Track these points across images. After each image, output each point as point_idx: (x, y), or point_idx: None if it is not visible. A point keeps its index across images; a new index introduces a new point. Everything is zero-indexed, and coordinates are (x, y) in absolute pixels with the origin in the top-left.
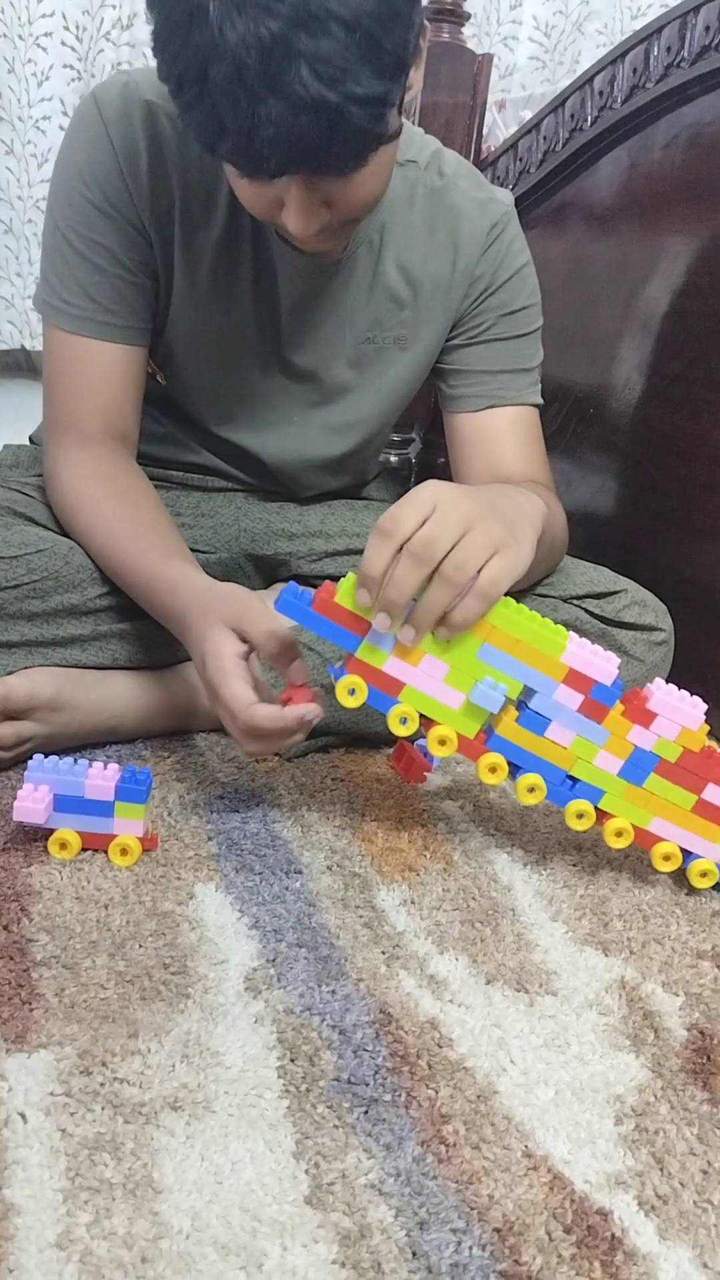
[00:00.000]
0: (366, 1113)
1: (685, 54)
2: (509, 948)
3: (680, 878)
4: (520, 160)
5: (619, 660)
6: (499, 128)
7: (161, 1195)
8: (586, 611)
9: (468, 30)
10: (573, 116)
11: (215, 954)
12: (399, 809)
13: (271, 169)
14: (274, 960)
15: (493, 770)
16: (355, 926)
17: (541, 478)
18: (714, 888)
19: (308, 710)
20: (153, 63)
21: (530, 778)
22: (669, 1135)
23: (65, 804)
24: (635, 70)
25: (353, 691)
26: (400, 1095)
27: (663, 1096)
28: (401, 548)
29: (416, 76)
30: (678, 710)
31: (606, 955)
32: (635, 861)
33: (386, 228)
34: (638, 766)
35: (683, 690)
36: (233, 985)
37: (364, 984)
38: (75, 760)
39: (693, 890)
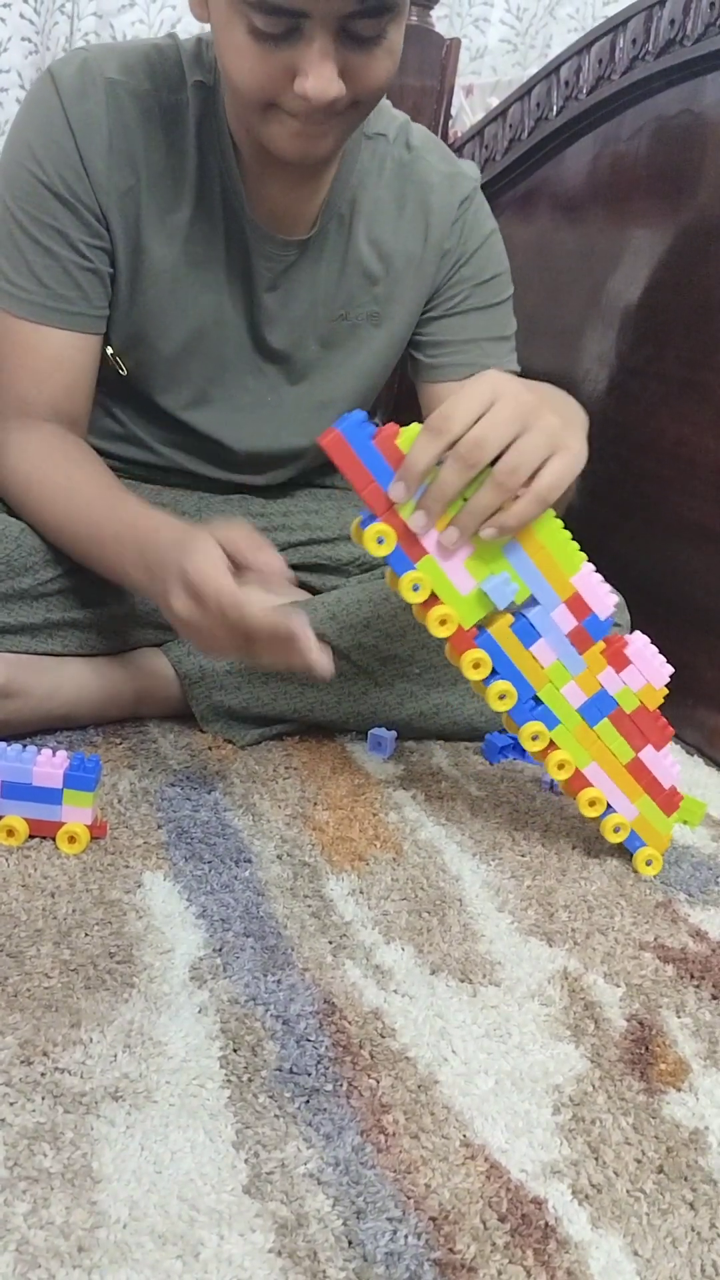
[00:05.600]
0: (308, 1102)
1: (650, 47)
2: (455, 938)
3: (625, 870)
4: (486, 147)
5: (618, 600)
6: (466, 113)
7: (100, 1185)
8: None
9: (439, 12)
10: (539, 105)
11: (162, 943)
12: (351, 798)
13: None
14: (220, 950)
15: (476, 666)
16: (303, 916)
17: None
18: (649, 860)
19: (303, 626)
20: (107, 38)
21: (504, 684)
22: (605, 1125)
23: (12, 791)
24: (601, 61)
25: (381, 540)
26: (342, 1085)
27: (600, 1086)
28: (451, 446)
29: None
30: (649, 665)
31: (550, 946)
32: (582, 853)
33: (357, 202)
34: (597, 707)
35: (659, 656)
36: (178, 975)
37: (309, 974)
38: (24, 746)
39: (637, 880)
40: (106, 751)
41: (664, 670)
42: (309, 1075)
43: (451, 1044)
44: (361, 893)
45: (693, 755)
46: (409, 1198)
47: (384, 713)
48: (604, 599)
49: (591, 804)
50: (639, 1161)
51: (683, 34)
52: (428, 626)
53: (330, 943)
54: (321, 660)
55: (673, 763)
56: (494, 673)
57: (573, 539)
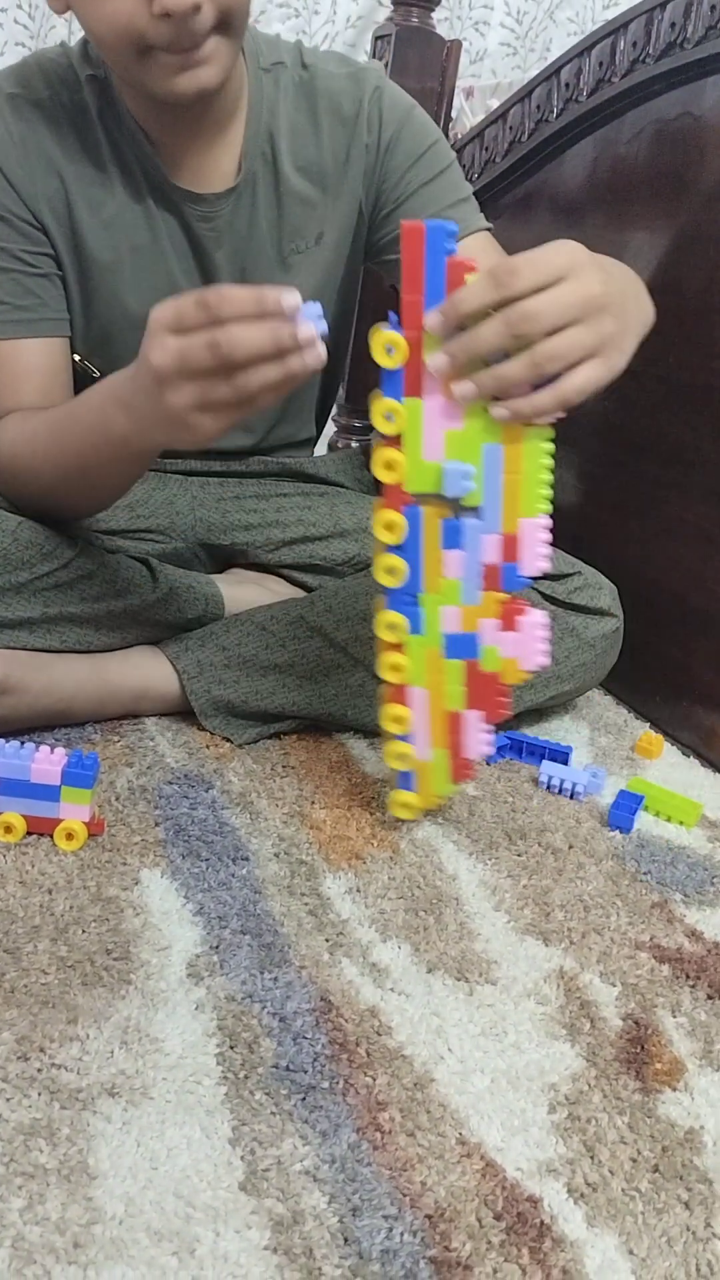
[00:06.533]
0: (304, 1099)
1: (650, 50)
2: (451, 936)
3: (621, 870)
4: (487, 149)
5: (548, 568)
6: (466, 115)
7: (96, 1181)
8: (539, 592)
9: (439, 14)
10: (539, 107)
11: (159, 940)
12: (348, 797)
13: None
14: (217, 947)
15: (389, 528)
16: (300, 914)
17: None
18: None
19: (291, 294)
20: None
21: (400, 562)
22: (600, 1124)
23: (10, 788)
24: (601, 64)
25: (390, 350)
26: (338, 1082)
27: (596, 1085)
28: (507, 304)
29: None
30: (529, 644)
31: (546, 945)
32: (579, 853)
33: (274, 133)
34: (461, 645)
35: (546, 639)
36: (175, 972)
37: (306, 971)
38: (21, 743)
39: (633, 881)
40: (104, 749)
41: (538, 658)
42: (305, 1072)
43: (448, 1042)
44: (358, 891)
45: (689, 756)
46: (405, 1195)
47: (377, 705)
48: (536, 559)
49: (396, 721)
50: (634, 1160)
51: (683, 37)
52: (373, 465)
53: (327, 941)
54: (313, 341)
55: (488, 742)
56: (399, 548)
57: (550, 488)
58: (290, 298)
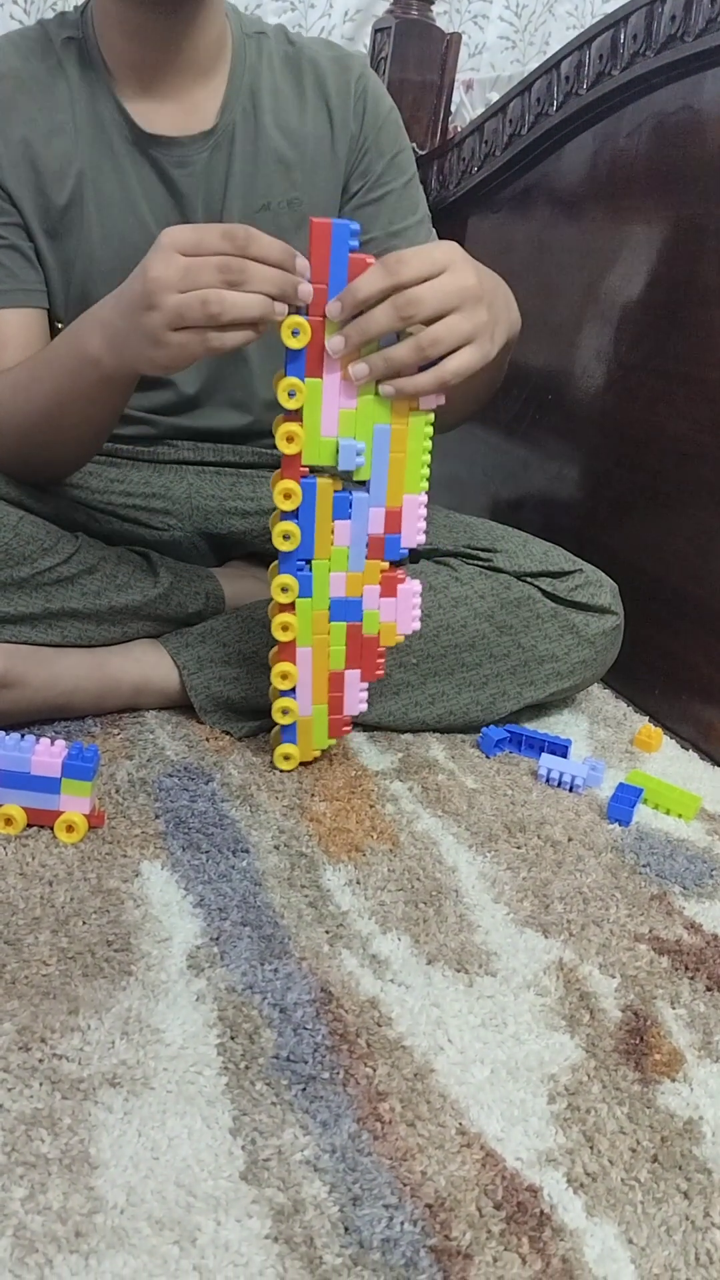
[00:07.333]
0: (304, 1090)
1: (651, 43)
2: (451, 928)
3: (620, 863)
4: (486, 143)
5: (424, 540)
6: (466, 108)
7: (98, 1170)
8: (540, 590)
9: (438, 8)
10: (539, 100)
11: (159, 931)
12: (348, 789)
13: None
14: (217, 938)
15: (286, 497)
16: (300, 906)
17: None
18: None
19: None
20: None
21: (295, 528)
22: (600, 1114)
23: (11, 780)
24: (601, 57)
25: (296, 332)
26: (338, 1073)
27: (595, 1076)
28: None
29: None
30: (404, 610)
31: (546, 937)
32: (578, 845)
33: (256, 92)
34: (346, 608)
35: (419, 610)
36: (175, 963)
37: (306, 963)
38: (22, 736)
39: (632, 873)
40: (104, 741)
41: (411, 623)
42: (306, 1063)
43: (448, 1033)
44: (358, 883)
45: (688, 750)
46: (405, 1185)
47: (380, 701)
48: (414, 532)
49: (284, 677)
50: (634, 1151)
51: (684, 30)
52: (276, 437)
53: (327, 932)
54: (304, 287)
55: (363, 701)
56: (294, 515)
57: (429, 467)
58: (303, 261)
